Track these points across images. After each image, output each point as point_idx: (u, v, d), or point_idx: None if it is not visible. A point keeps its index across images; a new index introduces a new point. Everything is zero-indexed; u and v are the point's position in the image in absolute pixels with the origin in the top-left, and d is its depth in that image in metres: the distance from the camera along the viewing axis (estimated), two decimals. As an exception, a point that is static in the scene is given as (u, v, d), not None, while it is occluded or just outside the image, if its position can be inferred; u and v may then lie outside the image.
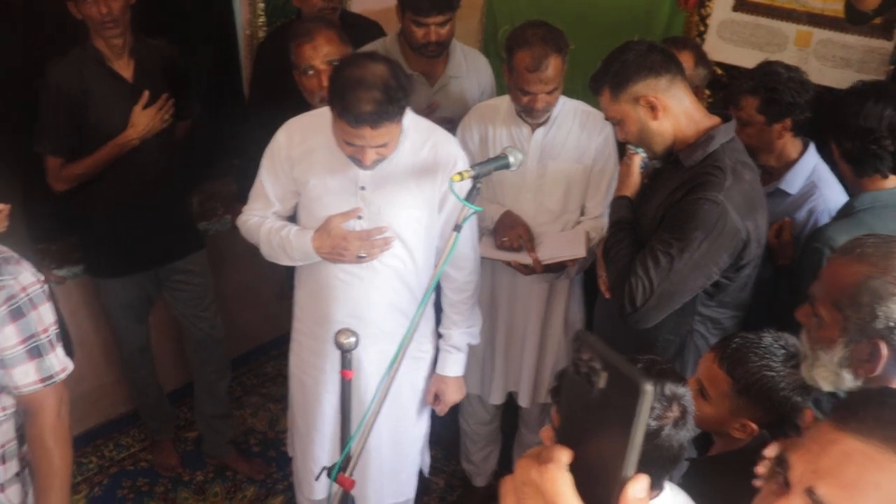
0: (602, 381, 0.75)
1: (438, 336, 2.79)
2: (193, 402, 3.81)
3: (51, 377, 2.04)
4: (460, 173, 2.16)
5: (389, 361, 2.12)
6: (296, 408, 2.88)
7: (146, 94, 3.12)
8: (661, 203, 2.34)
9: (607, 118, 2.42)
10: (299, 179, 2.54)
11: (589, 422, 0.77)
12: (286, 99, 3.24)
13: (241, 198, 3.68)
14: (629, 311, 2.31)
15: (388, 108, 2.21)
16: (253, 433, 4.08)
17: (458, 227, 2.16)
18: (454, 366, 2.78)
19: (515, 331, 3.17)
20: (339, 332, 2.01)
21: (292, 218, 2.69)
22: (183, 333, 3.65)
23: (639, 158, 2.51)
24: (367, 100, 2.19)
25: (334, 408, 2.67)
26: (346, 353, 2.02)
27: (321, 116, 2.50)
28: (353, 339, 2.01)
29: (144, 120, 3.12)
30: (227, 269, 4.08)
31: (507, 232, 2.97)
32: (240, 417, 4.13)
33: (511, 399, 3.36)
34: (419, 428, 2.87)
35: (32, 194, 3.07)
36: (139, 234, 3.28)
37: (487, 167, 2.23)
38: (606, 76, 2.33)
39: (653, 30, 3.94)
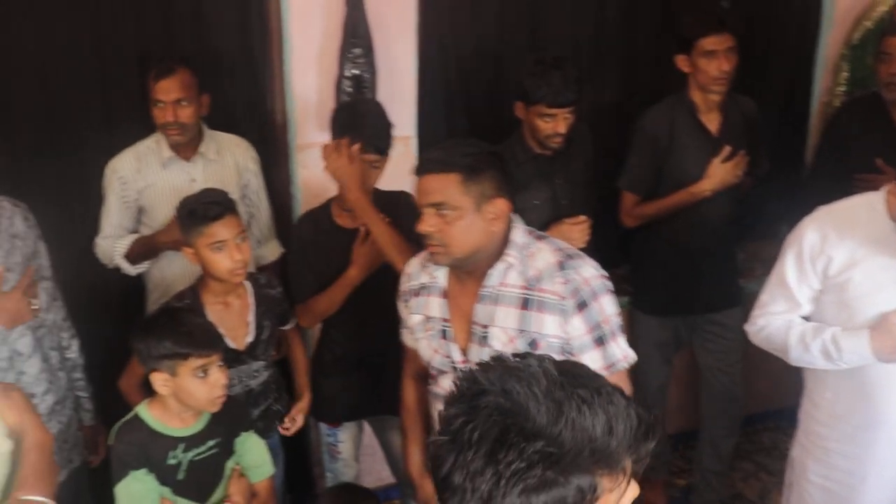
0: None
1: None
2: (694, 452, 3.85)
3: (612, 364, 2.18)
4: None
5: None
6: None
7: (727, 148, 3.22)
8: None
9: None
10: (836, 277, 2.37)
11: None
12: (853, 173, 3.16)
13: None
14: None
15: None
16: (741, 499, 3.99)
17: None
18: None
19: None
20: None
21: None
22: (702, 383, 3.70)
23: None
24: None
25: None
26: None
27: (854, 209, 2.38)
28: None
29: (721, 173, 3.22)
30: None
31: None
32: (729, 479, 4.07)
33: None
34: None
35: (600, 223, 3.34)
36: (688, 279, 3.41)
37: None
38: None
39: None
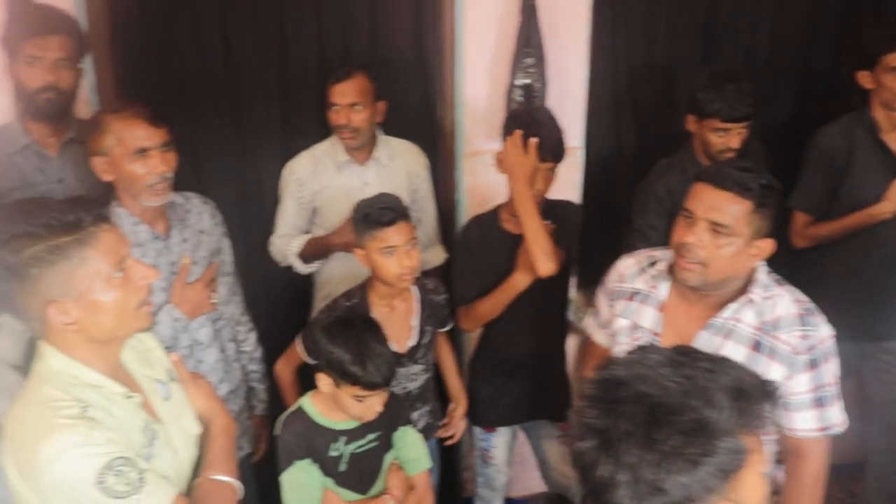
0: None
1: None
2: (857, 486, 3.68)
3: (827, 428, 2.14)
4: None
5: None
6: None
7: None
8: None
9: None
10: None
11: None
12: None
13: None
14: None
15: None
16: (907, 540, 3.80)
17: None
18: None
19: None
20: None
21: None
22: (873, 414, 3.53)
23: None
24: None
25: None
26: None
27: None
28: None
29: (905, 195, 3.07)
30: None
31: None
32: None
33: None
34: None
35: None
36: (861, 304, 3.25)
37: None
38: None
39: None
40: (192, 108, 3.22)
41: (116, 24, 3.08)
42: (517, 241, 2.76)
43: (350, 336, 2.28)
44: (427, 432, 2.84)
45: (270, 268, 3.32)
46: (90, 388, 1.63)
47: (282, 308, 3.40)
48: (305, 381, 2.64)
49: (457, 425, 2.98)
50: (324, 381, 2.31)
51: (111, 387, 1.66)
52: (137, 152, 2.32)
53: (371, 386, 2.26)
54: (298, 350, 2.75)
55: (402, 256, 2.57)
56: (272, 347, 2.94)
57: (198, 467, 1.83)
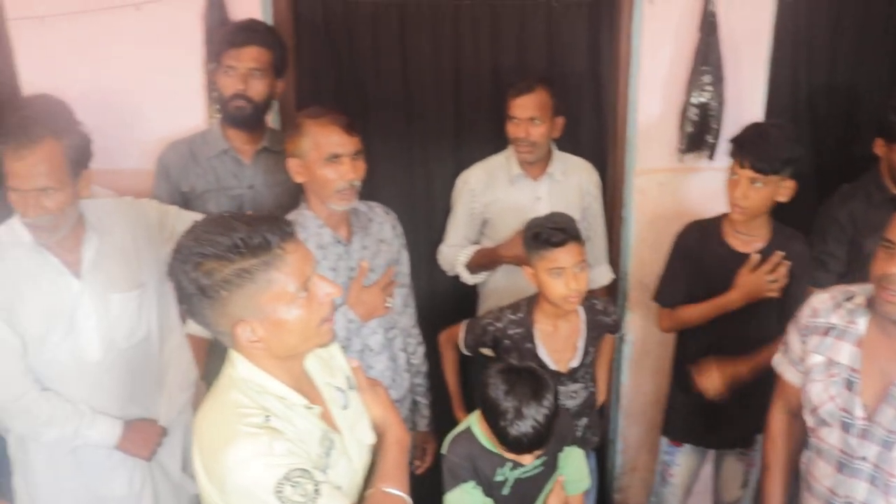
0: None
1: None
2: None
3: None
4: None
5: None
6: None
7: None
8: None
9: None
10: None
11: None
12: None
13: None
14: None
15: None
16: None
17: None
18: None
19: None
20: None
21: None
22: None
23: None
24: None
25: None
26: None
27: None
28: None
29: None
30: None
31: None
32: None
33: None
34: None
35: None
36: None
37: None
38: None
39: None
40: (369, 117, 3.31)
41: (300, 37, 3.20)
42: (738, 258, 2.73)
43: (511, 393, 2.21)
44: (583, 445, 2.80)
45: (437, 276, 3.39)
46: (274, 398, 1.68)
47: (446, 317, 3.44)
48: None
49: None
50: (482, 422, 2.31)
51: (293, 398, 1.70)
52: (330, 157, 2.41)
53: (513, 450, 2.23)
54: (459, 339, 2.81)
55: (570, 278, 2.54)
56: (436, 357, 2.96)
57: (369, 476, 1.85)
